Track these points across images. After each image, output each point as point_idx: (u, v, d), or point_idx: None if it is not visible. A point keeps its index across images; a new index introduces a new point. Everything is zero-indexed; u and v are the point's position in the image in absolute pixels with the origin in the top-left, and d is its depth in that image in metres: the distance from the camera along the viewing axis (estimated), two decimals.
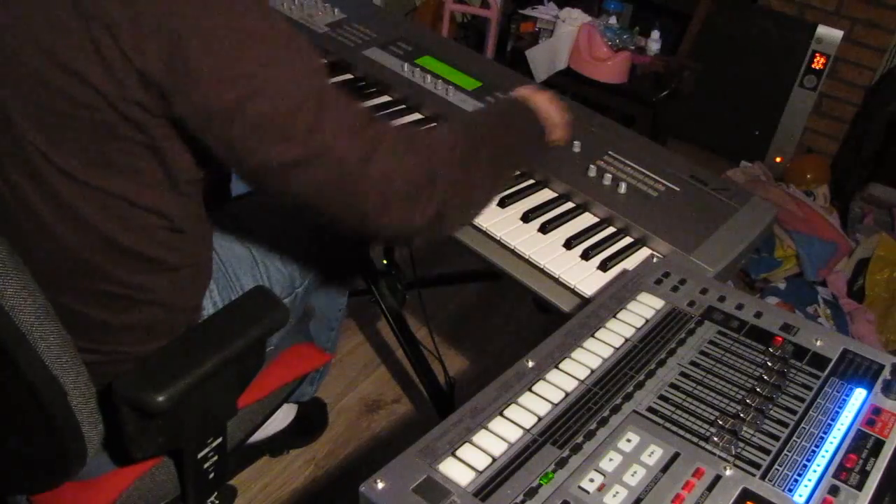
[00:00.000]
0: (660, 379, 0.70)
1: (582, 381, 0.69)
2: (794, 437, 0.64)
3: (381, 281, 1.56)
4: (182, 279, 0.95)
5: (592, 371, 0.70)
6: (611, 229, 1.10)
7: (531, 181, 1.17)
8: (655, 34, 2.47)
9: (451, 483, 0.57)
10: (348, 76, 1.42)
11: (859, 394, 0.69)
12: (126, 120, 0.75)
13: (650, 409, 0.67)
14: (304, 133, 0.76)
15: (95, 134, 0.77)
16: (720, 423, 0.65)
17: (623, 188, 1.12)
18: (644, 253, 1.05)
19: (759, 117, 2.96)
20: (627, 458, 0.61)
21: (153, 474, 1.00)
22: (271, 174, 0.78)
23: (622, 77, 2.33)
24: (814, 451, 0.63)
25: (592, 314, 0.78)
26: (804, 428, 0.66)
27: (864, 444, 0.64)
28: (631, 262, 1.03)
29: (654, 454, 0.62)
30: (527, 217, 1.09)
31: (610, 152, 1.19)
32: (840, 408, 0.68)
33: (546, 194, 1.15)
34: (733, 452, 0.62)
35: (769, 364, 0.72)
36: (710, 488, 0.59)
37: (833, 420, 0.66)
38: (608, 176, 1.14)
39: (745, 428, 0.65)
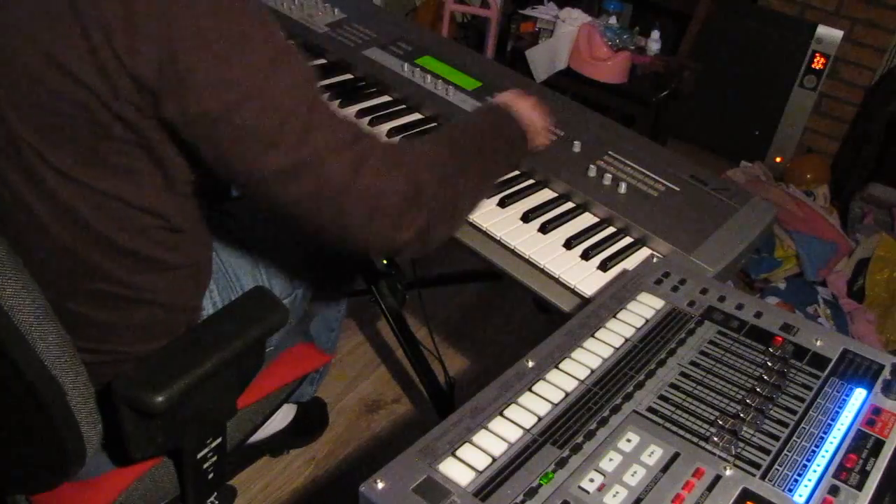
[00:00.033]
0: (660, 379, 0.70)
1: (582, 381, 0.69)
2: (794, 437, 0.64)
3: (381, 281, 1.56)
4: (181, 279, 0.95)
5: (592, 371, 0.70)
6: (611, 229, 1.09)
7: (531, 181, 1.17)
8: (655, 34, 2.47)
9: (451, 483, 0.57)
10: (348, 76, 1.42)
11: (859, 394, 0.69)
12: (120, 120, 0.75)
13: (650, 409, 0.67)
14: (292, 143, 0.76)
15: (90, 134, 0.76)
16: (720, 423, 0.65)
17: (623, 188, 1.12)
18: (644, 253, 1.05)
19: (759, 117, 2.96)
20: (627, 458, 0.61)
21: (152, 474, 1.00)
22: (257, 183, 0.78)
23: (622, 77, 2.33)
24: (814, 451, 0.63)
25: (592, 314, 0.78)
26: (804, 428, 0.66)
27: (864, 444, 0.64)
28: (631, 262, 1.03)
29: (654, 454, 0.62)
30: (527, 217, 1.09)
31: (610, 152, 1.19)
32: (840, 408, 0.68)
33: (546, 194, 1.15)
34: (733, 452, 0.62)
35: (769, 364, 0.72)
36: (710, 488, 0.59)
37: (833, 420, 0.66)
38: (608, 176, 1.14)
39: (745, 428, 0.65)
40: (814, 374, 0.71)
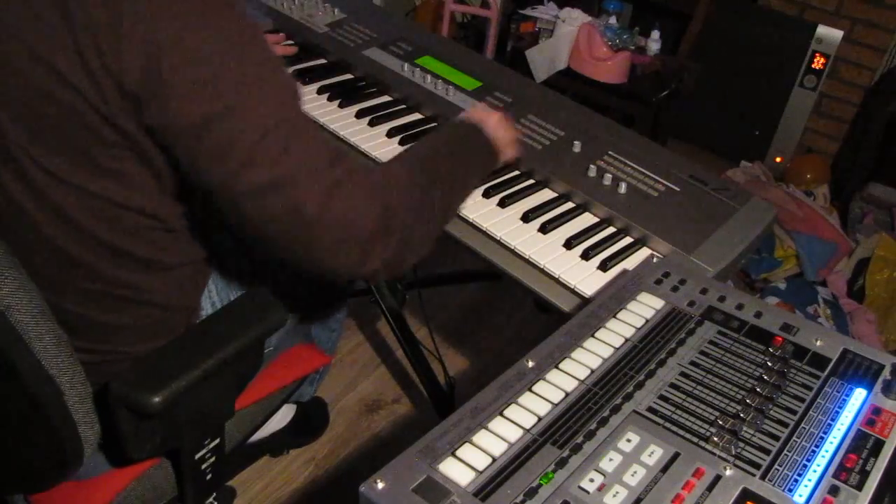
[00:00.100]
0: (660, 379, 0.70)
1: (582, 381, 0.69)
2: (794, 437, 0.64)
3: (381, 281, 1.56)
4: (178, 279, 0.94)
5: (592, 371, 0.70)
6: (611, 229, 1.09)
7: (531, 181, 1.17)
8: (655, 34, 2.47)
9: (451, 483, 0.57)
10: (348, 76, 1.42)
11: (859, 394, 0.69)
12: (109, 124, 0.75)
13: (650, 409, 0.67)
14: (269, 161, 0.74)
15: (80, 136, 0.76)
16: (720, 423, 0.65)
17: (623, 188, 1.12)
18: (644, 253, 1.05)
19: (759, 117, 2.96)
20: (627, 458, 0.61)
21: (151, 475, 1.00)
22: (230, 197, 0.76)
23: (622, 77, 2.33)
24: (814, 451, 0.63)
25: (592, 314, 0.78)
26: (804, 428, 0.66)
27: (864, 444, 0.64)
28: (631, 262, 1.03)
29: (654, 454, 0.62)
30: (527, 217, 1.09)
31: (610, 152, 1.19)
32: (840, 408, 0.68)
33: (546, 194, 1.15)
34: (733, 452, 0.62)
35: (769, 364, 0.72)
36: (710, 488, 0.59)
37: (833, 420, 0.66)
38: (608, 176, 1.14)
39: (745, 428, 0.65)
40: (814, 374, 0.71)
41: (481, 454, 0.60)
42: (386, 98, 1.36)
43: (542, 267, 1.02)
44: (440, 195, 0.91)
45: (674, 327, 0.77)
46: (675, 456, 0.62)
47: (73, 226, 0.83)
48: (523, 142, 1.21)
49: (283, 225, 0.77)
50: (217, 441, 0.97)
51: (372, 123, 1.28)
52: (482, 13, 2.92)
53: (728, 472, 0.60)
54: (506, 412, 0.64)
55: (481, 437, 0.62)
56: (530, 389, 0.67)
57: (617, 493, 0.58)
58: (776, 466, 0.61)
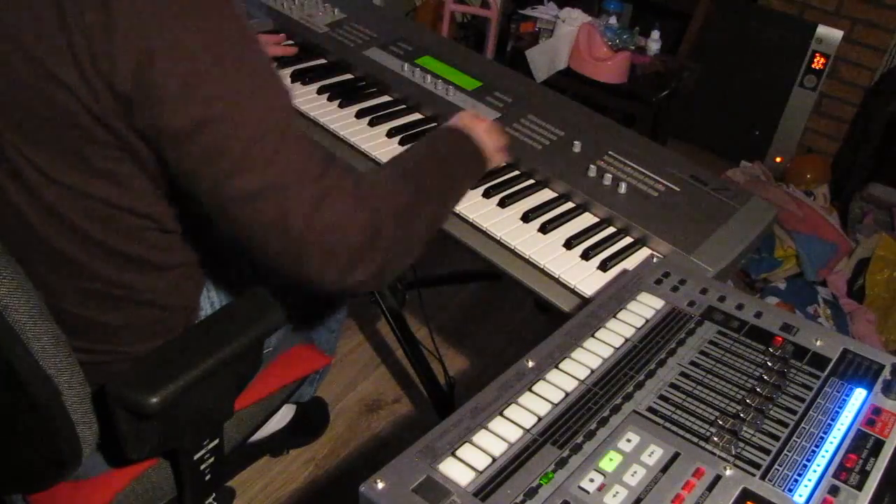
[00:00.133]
0: (660, 379, 0.70)
1: (582, 381, 0.69)
2: (794, 437, 0.64)
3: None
4: (175, 279, 0.94)
5: (592, 371, 0.70)
6: (611, 229, 1.09)
7: (531, 181, 1.17)
8: (655, 34, 2.47)
9: (451, 483, 0.57)
10: (348, 76, 1.42)
11: (859, 394, 0.69)
12: (101, 124, 0.75)
13: (650, 409, 0.67)
14: (259, 167, 0.74)
15: (74, 137, 0.76)
16: (720, 423, 0.65)
17: (623, 188, 1.12)
18: (644, 253, 1.05)
19: (759, 117, 2.96)
20: (627, 458, 0.61)
21: (150, 475, 1.00)
22: (219, 203, 0.76)
23: (622, 77, 2.33)
24: (814, 451, 0.63)
25: (592, 314, 0.78)
26: (804, 428, 0.66)
27: (864, 444, 0.64)
28: (631, 262, 1.03)
29: (654, 454, 0.62)
30: (527, 217, 1.09)
31: (610, 152, 1.19)
32: (840, 408, 0.68)
33: (546, 194, 1.15)
34: (733, 452, 0.62)
35: (769, 364, 0.72)
36: (710, 488, 0.59)
37: (833, 420, 0.66)
38: (608, 176, 1.14)
39: (745, 428, 0.65)
40: (814, 374, 0.71)
41: (481, 454, 0.60)
42: (386, 98, 1.36)
43: (542, 267, 1.02)
44: (428, 205, 0.91)
45: (674, 327, 0.77)
46: (675, 456, 0.62)
47: (67, 226, 0.83)
48: (523, 142, 1.21)
49: (271, 233, 0.76)
50: (216, 442, 0.97)
51: (372, 123, 1.28)
52: (482, 13, 2.93)
53: (728, 472, 0.60)
54: (506, 412, 0.64)
55: (481, 437, 0.62)
56: (530, 389, 0.67)
57: (617, 493, 0.58)
58: (776, 466, 0.61)
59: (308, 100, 1.33)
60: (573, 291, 0.99)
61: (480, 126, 1.08)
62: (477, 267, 2.01)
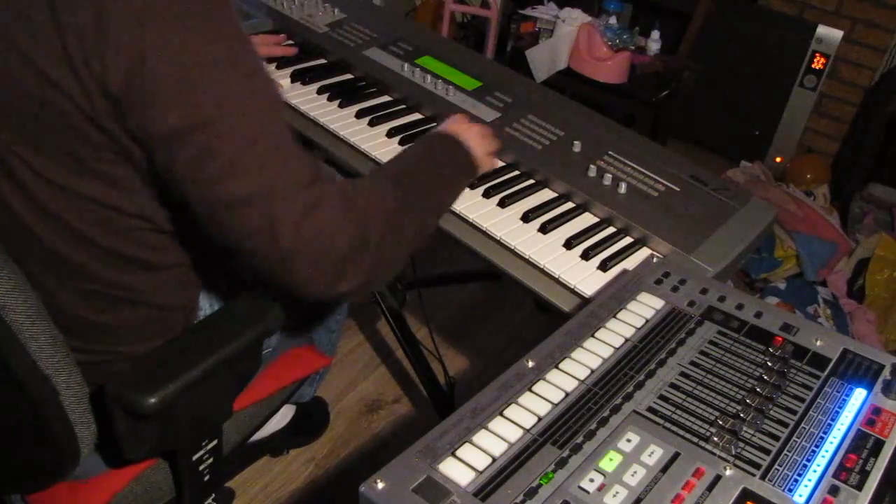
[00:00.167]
0: (660, 379, 0.70)
1: (582, 381, 0.69)
2: (794, 437, 0.64)
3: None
4: (173, 279, 0.94)
5: (592, 371, 0.70)
6: (611, 229, 1.09)
7: (531, 181, 1.17)
8: (655, 34, 2.47)
9: (451, 483, 0.57)
10: (348, 76, 1.42)
11: (859, 394, 0.69)
12: (95, 126, 0.74)
13: (650, 409, 0.67)
14: (248, 174, 0.73)
15: (67, 137, 0.76)
16: (720, 423, 0.65)
17: (623, 188, 1.12)
18: (644, 253, 1.05)
19: (759, 117, 2.96)
20: (627, 458, 0.61)
21: (149, 476, 1.00)
22: (208, 208, 0.76)
23: (622, 77, 2.33)
24: (814, 451, 0.63)
25: (592, 314, 0.78)
26: (804, 428, 0.66)
27: (864, 444, 0.64)
28: (631, 262, 1.03)
29: (654, 454, 0.62)
30: (527, 217, 1.09)
31: (610, 152, 1.19)
32: (840, 408, 0.68)
33: (546, 194, 1.15)
34: (733, 452, 0.62)
35: (769, 364, 0.72)
36: (710, 488, 0.59)
37: (833, 420, 0.66)
38: (608, 176, 1.14)
39: (745, 428, 0.65)
40: (814, 374, 0.71)
41: (481, 454, 0.60)
42: (386, 98, 1.36)
43: (542, 267, 1.02)
44: (416, 214, 0.90)
45: (674, 327, 0.77)
46: (675, 456, 0.62)
47: (63, 227, 0.83)
48: (523, 142, 1.21)
49: (259, 239, 0.76)
50: (215, 442, 0.97)
51: (372, 123, 1.28)
52: (482, 13, 2.93)
53: (728, 472, 0.60)
54: (506, 412, 0.64)
55: (481, 437, 0.62)
56: (530, 389, 0.67)
57: (617, 493, 0.58)
58: (776, 466, 0.61)
59: (308, 100, 1.33)
60: (573, 291, 0.99)
61: (472, 130, 1.08)
62: (477, 267, 2.01)
